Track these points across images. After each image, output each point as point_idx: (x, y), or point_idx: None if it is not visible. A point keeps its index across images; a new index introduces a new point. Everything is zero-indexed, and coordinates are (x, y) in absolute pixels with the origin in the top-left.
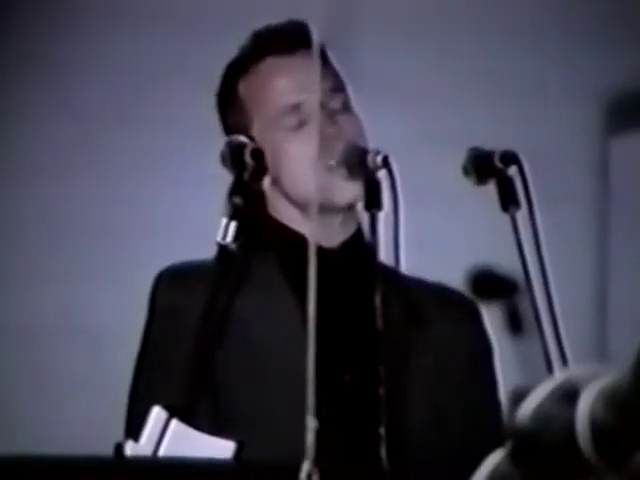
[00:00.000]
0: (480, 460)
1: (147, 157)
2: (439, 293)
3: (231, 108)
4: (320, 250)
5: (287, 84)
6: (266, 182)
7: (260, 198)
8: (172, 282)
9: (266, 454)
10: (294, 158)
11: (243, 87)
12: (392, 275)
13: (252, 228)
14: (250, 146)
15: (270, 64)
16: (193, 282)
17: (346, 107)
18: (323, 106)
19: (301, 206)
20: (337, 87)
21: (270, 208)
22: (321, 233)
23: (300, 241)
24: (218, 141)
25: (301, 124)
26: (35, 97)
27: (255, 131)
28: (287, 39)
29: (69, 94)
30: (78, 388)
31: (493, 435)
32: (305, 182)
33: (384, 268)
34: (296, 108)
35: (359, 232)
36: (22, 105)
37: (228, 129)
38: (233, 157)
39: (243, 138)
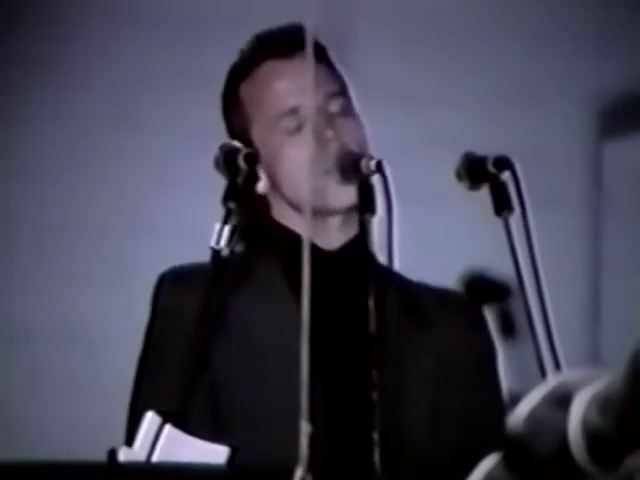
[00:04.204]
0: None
1: (146, 160)
2: (443, 297)
3: (233, 111)
4: (319, 253)
5: (285, 87)
6: (262, 185)
7: (258, 202)
8: (174, 284)
9: (261, 458)
10: (291, 161)
11: (244, 90)
12: (395, 278)
13: (247, 232)
14: (243, 151)
15: (269, 67)
16: (194, 284)
17: (346, 111)
18: (321, 110)
19: (299, 209)
20: (337, 90)
21: (272, 211)
22: (319, 236)
23: (300, 243)
24: (217, 144)
25: (299, 127)
26: (35, 99)
27: (254, 134)
28: (286, 42)
29: (69, 96)
30: (75, 392)
31: (496, 441)
32: (302, 185)
33: (388, 271)
34: (294, 111)
35: (361, 235)
36: (22, 107)
37: (231, 131)
38: (227, 162)
39: (237, 143)
